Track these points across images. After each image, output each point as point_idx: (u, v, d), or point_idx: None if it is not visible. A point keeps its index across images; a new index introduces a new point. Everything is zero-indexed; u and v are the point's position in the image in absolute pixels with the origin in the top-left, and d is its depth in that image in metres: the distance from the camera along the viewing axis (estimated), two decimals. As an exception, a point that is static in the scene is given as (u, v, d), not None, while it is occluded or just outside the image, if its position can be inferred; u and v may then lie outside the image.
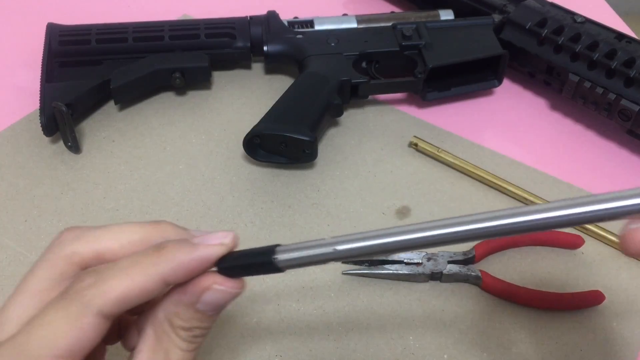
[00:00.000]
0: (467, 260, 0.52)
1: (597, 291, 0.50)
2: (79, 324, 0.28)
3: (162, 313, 0.31)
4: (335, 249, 0.29)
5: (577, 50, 0.62)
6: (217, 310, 0.31)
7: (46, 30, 0.67)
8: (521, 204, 0.57)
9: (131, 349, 0.34)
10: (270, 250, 0.30)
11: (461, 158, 0.60)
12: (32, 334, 0.28)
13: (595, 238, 0.55)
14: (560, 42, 0.63)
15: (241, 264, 0.30)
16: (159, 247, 0.30)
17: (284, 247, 0.30)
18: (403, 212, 0.57)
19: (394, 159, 0.61)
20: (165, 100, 0.67)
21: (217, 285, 0.30)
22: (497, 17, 0.67)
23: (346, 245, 0.29)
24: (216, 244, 0.30)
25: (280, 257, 0.30)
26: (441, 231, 0.28)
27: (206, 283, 0.30)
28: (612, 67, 0.59)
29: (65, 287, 0.30)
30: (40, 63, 0.64)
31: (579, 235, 0.53)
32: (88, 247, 0.31)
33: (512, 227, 0.27)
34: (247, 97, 0.67)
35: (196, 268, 0.30)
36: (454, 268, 0.51)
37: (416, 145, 0.62)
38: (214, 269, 0.31)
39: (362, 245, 0.29)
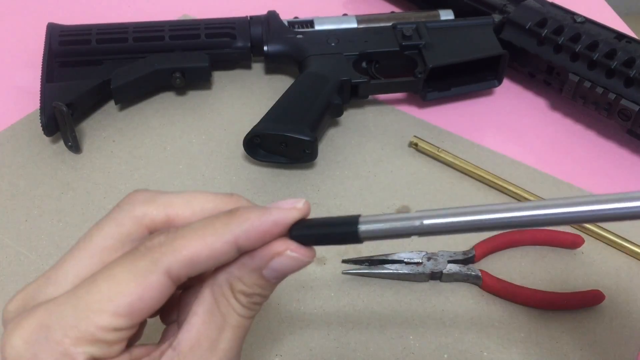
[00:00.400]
0: (467, 259, 0.52)
1: (597, 291, 0.50)
2: (145, 281, 0.27)
3: (223, 276, 0.29)
4: (422, 223, 0.28)
5: (577, 50, 0.62)
6: (280, 278, 0.29)
7: (46, 30, 0.67)
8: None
9: (169, 323, 0.33)
10: (354, 220, 0.29)
11: (461, 158, 0.60)
12: (94, 288, 0.27)
13: (595, 238, 0.55)
14: (560, 42, 0.63)
15: (320, 232, 0.30)
16: (232, 211, 0.28)
17: (367, 217, 0.29)
18: (403, 212, 0.57)
19: (394, 158, 0.61)
20: (166, 100, 0.67)
21: (290, 252, 0.29)
22: (497, 17, 0.67)
23: (433, 220, 0.28)
24: (290, 208, 0.29)
25: (364, 227, 0.29)
26: (532, 212, 0.27)
27: (279, 248, 0.29)
28: (612, 67, 0.59)
29: (132, 247, 0.29)
30: (41, 63, 0.64)
31: (579, 235, 0.53)
32: (159, 210, 0.30)
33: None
34: (247, 97, 0.68)
35: (269, 231, 0.28)
36: (454, 268, 0.51)
37: (416, 145, 0.62)
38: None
39: (449, 221, 0.28)
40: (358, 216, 0.29)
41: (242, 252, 0.29)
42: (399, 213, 0.29)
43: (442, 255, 0.52)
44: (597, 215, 0.27)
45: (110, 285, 0.27)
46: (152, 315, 0.30)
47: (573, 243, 0.53)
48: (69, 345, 0.26)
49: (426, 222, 0.28)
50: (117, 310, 0.26)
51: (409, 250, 0.53)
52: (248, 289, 0.29)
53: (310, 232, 0.30)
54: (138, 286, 0.27)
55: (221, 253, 0.28)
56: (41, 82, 0.62)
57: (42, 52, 0.65)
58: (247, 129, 0.58)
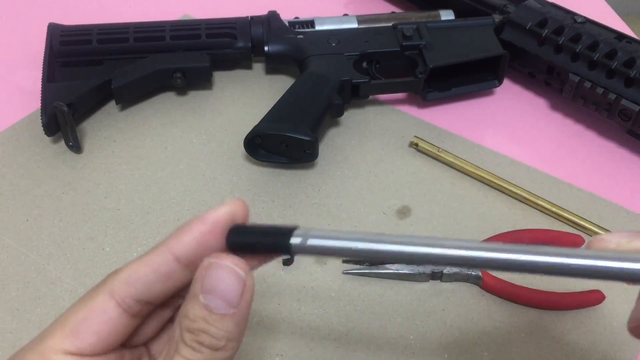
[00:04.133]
0: (468, 260, 0.52)
1: (597, 291, 0.50)
2: (90, 302, 0.28)
3: (181, 310, 0.28)
4: (357, 247, 0.27)
5: (577, 50, 0.62)
6: (224, 306, 0.27)
7: (47, 31, 0.67)
8: (521, 204, 0.57)
9: (137, 345, 0.32)
10: (288, 231, 0.28)
11: (461, 158, 0.60)
12: (53, 323, 0.29)
13: (596, 238, 0.55)
14: (560, 43, 0.63)
15: (251, 240, 0.28)
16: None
17: (302, 230, 0.28)
18: (403, 211, 0.57)
19: (395, 158, 0.61)
20: (166, 100, 0.67)
21: (215, 259, 0.27)
22: (497, 18, 0.67)
23: (371, 245, 0.27)
24: (217, 208, 0.28)
25: (296, 241, 0.28)
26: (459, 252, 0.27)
27: (205, 261, 0.27)
28: (612, 67, 0.59)
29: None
30: (42, 63, 0.64)
31: (579, 235, 0.54)
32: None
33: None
34: (248, 97, 0.68)
35: (201, 233, 0.28)
36: (454, 268, 0.51)
37: (416, 145, 0.62)
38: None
39: (383, 248, 0.27)
40: (293, 228, 0.28)
41: (185, 263, 0.28)
42: (337, 230, 0.28)
43: (442, 255, 0.52)
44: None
45: (64, 314, 0.28)
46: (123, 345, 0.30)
47: (573, 243, 0.53)
48: None
49: (360, 246, 0.27)
50: (64, 332, 0.27)
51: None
52: (192, 324, 0.27)
53: (243, 238, 0.28)
54: (83, 308, 0.28)
55: (159, 265, 0.28)
56: (42, 82, 0.62)
57: (43, 52, 0.65)
58: (248, 129, 0.58)
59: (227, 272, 0.27)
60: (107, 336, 0.28)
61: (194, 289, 0.27)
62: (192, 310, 0.27)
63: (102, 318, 0.28)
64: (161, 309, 0.31)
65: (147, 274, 0.28)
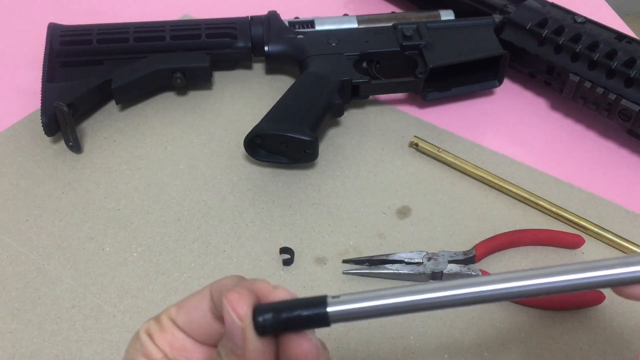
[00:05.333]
0: (468, 259, 0.52)
1: (597, 291, 0.50)
2: (200, 291, 0.33)
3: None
4: (394, 302, 0.28)
5: (577, 50, 0.62)
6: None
7: (47, 31, 0.67)
8: (521, 204, 0.57)
9: None
10: (321, 301, 0.28)
11: (461, 158, 0.60)
12: None
13: (596, 238, 0.55)
14: (560, 43, 0.63)
15: (285, 318, 0.28)
16: None
17: (335, 299, 0.28)
18: (403, 212, 0.57)
19: (395, 158, 0.61)
20: (166, 100, 0.67)
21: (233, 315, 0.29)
22: (497, 18, 0.67)
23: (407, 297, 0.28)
24: (258, 283, 0.30)
25: (334, 309, 0.28)
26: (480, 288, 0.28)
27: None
28: (613, 67, 0.59)
29: None
30: (42, 63, 0.64)
31: (579, 235, 0.54)
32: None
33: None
34: (248, 97, 0.68)
35: (230, 286, 0.30)
36: (454, 268, 0.51)
37: (417, 145, 0.62)
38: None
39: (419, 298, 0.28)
40: (324, 297, 0.28)
41: (214, 308, 0.31)
42: (367, 291, 0.28)
43: (442, 255, 0.52)
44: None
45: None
46: None
47: (573, 243, 0.53)
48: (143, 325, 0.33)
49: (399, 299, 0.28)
50: (177, 304, 0.33)
51: (409, 250, 0.53)
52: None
53: (276, 318, 0.28)
54: (194, 292, 0.33)
55: (198, 299, 0.32)
56: (42, 82, 0.62)
57: (43, 52, 0.65)
58: (248, 129, 0.58)
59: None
60: (194, 321, 0.32)
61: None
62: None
63: (196, 304, 0.32)
64: None
65: (189, 307, 0.32)
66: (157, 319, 0.33)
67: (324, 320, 0.28)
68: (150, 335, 0.32)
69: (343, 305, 0.28)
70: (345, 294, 0.28)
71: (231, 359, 0.29)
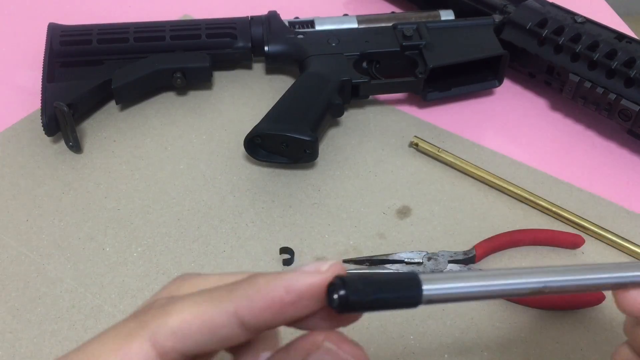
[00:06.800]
0: (468, 259, 0.52)
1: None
2: (126, 345, 0.23)
3: None
4: (487, 285, 0.27)
5: (577, 50, 0.62)
6: None
7: (47, 31, 0.67)
8: (521, 204, 0.57)
9: None
10: (414, 280, 0.25)
11: (461, 158, 0.60)
12: (79, 352, 0.24)
13: (596, 238, 0.55)
14: (560, 43, 0.63)
15: (373, 296, 0.24)
16: (242, 279, 0.24)
17: (426, 276, 0.25)
18: (403, 211, 0.57)
19: (395, 158, 0.61)
20: (166, 100, 0.67)
21: (329, 343, 0.23)
22: (497, 18, 0.67)
23: (504, 280, 0.27)
24: (309, 271, 0.23)
25: (428, 287, 0.25)
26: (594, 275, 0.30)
27: (316, 339, 0.23)
28: (613, 67, 0.59)
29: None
30: (42, 63, 0.64)
31: (579, 235, 0.54)
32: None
33: None
34: (248, 97, 0.68)
35: (280, 300, 0.23)
36: (454, 268, 0.51)
37: (417, 145, 0.62)
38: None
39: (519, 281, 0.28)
40: (416, 274, 0.25)
41: (250, 329, 0.23)
42: (462, 271, 0.28)
43: (442, 255, 0.52)
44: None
45: (93, 348, 0.24)
46: None
47: (573, 243, 0.53)
48: None
49: (498, 282, 0.27)
50: None
51: (409, 250, 0.53)
52: None
53: (363, 296, 0.23)
54: (116, 351, 0.23)
55: (218, 325, 0.23)
56: (42, 82, 0.62)
57: (43, 52, 0.65)
58: (248, 129, 0.58)
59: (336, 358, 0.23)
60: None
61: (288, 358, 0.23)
62: None
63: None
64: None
65: (201, 330, 0.23)
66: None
67: (416, 301, 0.25)
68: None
69: (437, 284, 0.25)
70: (434, 273, 0.27)
71: None
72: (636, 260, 0.53)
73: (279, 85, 0.69)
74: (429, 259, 0.51)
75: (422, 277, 0.25)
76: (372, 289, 0.24)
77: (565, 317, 0.49)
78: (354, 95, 0.64)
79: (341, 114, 0.62)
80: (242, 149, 0.59)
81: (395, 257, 0.52)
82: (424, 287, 0.25)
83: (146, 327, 0.23)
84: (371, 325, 0.49)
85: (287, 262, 0.52)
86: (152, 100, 0.67)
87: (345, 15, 0.69)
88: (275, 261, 0.53)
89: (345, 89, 0.63)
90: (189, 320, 0.23)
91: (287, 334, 0.26)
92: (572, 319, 0.49)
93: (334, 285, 0.23)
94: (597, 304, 0.50)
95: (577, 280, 0.29)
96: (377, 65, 0.66)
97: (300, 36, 0.67)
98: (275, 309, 0.23)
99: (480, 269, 0.29)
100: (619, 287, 0.31)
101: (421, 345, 0.47)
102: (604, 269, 0.30)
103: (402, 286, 0.24)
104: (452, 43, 0.65)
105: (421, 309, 0.49)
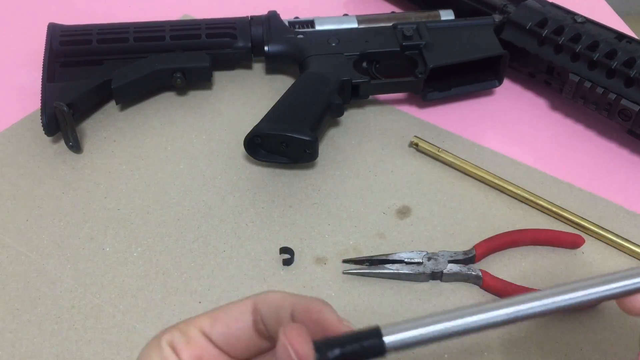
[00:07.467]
0: (468, 259, 0.52)
1: (597, 291, 0.50)
2: (236, 303, 0.31)
3: None
4: (450, 327, 0.28)
5: (577, 50, 0.62)
6: None
7: (47, 30, 0.67)
8: (521, 204, 0.57)
9: None
10: (376, 333, 0.28)
11: (461, 158, 0.60)
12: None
13: (596, 238, 0.55)
14: (560, 42, 0.63)
15: (346, 351, 0.28)
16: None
17: (388, 328, 0.28)
18: (403, 211, 0.57)
19: (395, 158, 0.61)
20: (166, 100, 0.67)
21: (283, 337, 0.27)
22: (497, 17, 0.67)
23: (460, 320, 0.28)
24: (315, 304, 0.30)
25: (389, 339, 0.28)
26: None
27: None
28: (613, 67, 0.59)
29: None
30: (42, 63, 0.64)
31: (579, 235, 0.54)
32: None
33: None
34: (247, 97, 0.68)
35: (283, 302, 0.30)
36: (454, 267, 0.51)
37: (417, 145, 0.62)
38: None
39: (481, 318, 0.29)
40: (377, 328, 0.28)
41: (258, 323, 0.30)
42: (420, 317, 0.29)
43: (442, 255, 0.52)
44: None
45: (218, 307, 0.32)
46: None
47: (573, 243, 0.53)
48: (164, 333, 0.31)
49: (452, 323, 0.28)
50: (208, 315, 0.31)
51: (409, 250, 0.53)
52: None
53: (339, 352, 0.28)
54: (230, 305, 0.31)
55: (292, 302, 0.30)
56: (42, 82, 0.62)
57: (43, 52, 0.65)
58: (248, 129, 0.58)
59: None
60: (233, 334, 0.30)
61: None
62: None
63: (237, 316, 0.31)
64: None
65: (281, 302, 0.30)
66: (182, 330, 0.30)
67: (381, 350, 0.28)
68: (173, 348, 0.30)
69: (398, 333, 0.28)
70: (398, 322, 0.28)
71: None
72: (634, 262, 0.53)
73: (279, 85, 0.69)
74: (429, 259, 0.51)
75: (383, 329, 0.28)
76: (344, 347, 0.28)
77: (565, 317, 0.49)
78: (354, 95, 0.64)
79: (341, 114, 0.62)
80: (242, 149, 0.59)
81: (395, 257, 0.52)
82: (385, 338, 0.28)
83: (254, 295, 0.31)
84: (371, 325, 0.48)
85: (287, 262, 0.52)
86: (151, 100, 0.67)
87: (345, 15, 0.69)
88: (275, 261, 0.53)
89: (345, 89, 0.63)
90: (282, 298, 0.31)
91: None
92: (572, 319, 0.49)
93: (316, 347, 0.28)
94: (597, 304, 0.50)
95: (543, 305, 0.29)
96: (377, 65, 0.66)
97: (300, 36, 0.67)
98: (280, 308, 0.30)
99: (456, 309, 0.29)
100: (592, 303, 0.31)
101: (421, 345, 0.47)
102: (571, 289, 0.30)
103: (368, 339, 0.28)
104: (452, 43, 0.65)
105: (422, 308, 0.49)
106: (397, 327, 0.28)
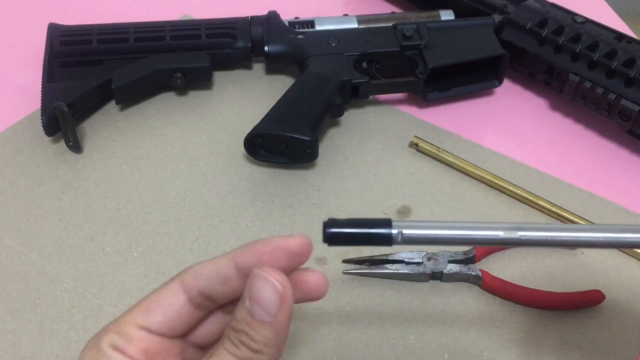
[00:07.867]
0: (468, 259, 0.52)
1: (597, 291, 0.50)
2: (164, 287, 0.32)
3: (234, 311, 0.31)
4: (450, 234, 0.31)
5: (577, 50, 0.62)
6: (264, 314, 0.29)
7: (47, 31, 0.67)
8: (521, 204, 0.57)
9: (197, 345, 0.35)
10: (386, 223, 0.31)
11: (461, 158, 0.60)
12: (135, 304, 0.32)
13: (596, 238, 0.55)
14: (560, 43, 0.63)
15: (351, 231, 0.31)
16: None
17: (398, 222, 0.31)
18: (403, 211, 0.57)
19: (395, 158, 0.61)
20: (166, 101, 0.67)
21: (259, 270, 0.29)
22: (497, 18, 0.67)
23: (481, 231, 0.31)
24: (286, 238, 0.31)
25: (396, 231, 0.30)
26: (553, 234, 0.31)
27: (254, 271, 0.30)
28: (612, 67, 0.59)
29: None
30: (42, 63, 0.64)
31: (579, 235, 0.54)
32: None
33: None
34: (248, 97, 0.68)
35: (260, 255, 0.31)
36: (454, 267, 0.51)
37: (417, 145, 0.62)
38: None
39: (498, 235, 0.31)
40: (389, 220, 0.31)
41: (242, 270, 0.31)
42: (436, 220, 0.32)
43: (442, 255, 0.52)
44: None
45: (145, 296, 0.32)
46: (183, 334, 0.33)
47: (573, 243, 0.53)
48: (100, 338, 0.31)
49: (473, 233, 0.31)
50: (140, 308, 0.31)
51: (409, 250, 0.53)
52: (237, 324, 0.30)
53: (342, 230, 0.31)
54: (158, 291, 0.32)
55: (223, 268, 0.31)
56: (42, 82, 0.62)
57: (43, 52, 0.65)
58: (248, 129, 0.58)
59: (267, 283, 0.30)
60: (172, 318, 0.31)
61: (243, 294, 0.30)
62: (239, 312, 0.30)
63: (171, 301, 0.32)
64: (223, 314, 0.34)
65: (211, 272, 0.31)
66: (119, 331, 0.31)
67: (388, 239, 0.31)
68: (118, 349, 0.30)
69: (405, 229, 0.31)
70: (409, 220, 0.31)
71: (244, 337, 0.29)
72: (634, 262, 0.53)
73: (279, 85, 0.69)
74: (429, 259, 0.51)
75: (394, 223, 0.31)
76: (353, 227, 0.31)
77: (565, 317, 0.49)
78: (354, 95, 0.64)
79: (341, 114, 0.62)
80: (242, 149, 0.59)
81: (395, 257, 0.52)
82: (393, 230, 0.31)
83: (178, 275, 0.32)
84: (371, 325, 0.49)
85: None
86: (152, 101, 0.67)
87: (345, 15, 0.69)
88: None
89: (345, 89, 0.63)
90: (204, 266, 0.32)
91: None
92: (572, 319, 0.49)
93: (325, 224, 0.31)
94: (597, 304, 0.50)
95: (552, 236, 0.31)
96: (377, 65, 0.66)
97: (300, 36, 0.67)
98: (257, 256, 0.31)
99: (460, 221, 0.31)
100: (597, 246, 0.32)
101: (421, 345, 0.48)
102: (589, 230, 0.32)
103: (376, 227, 0.31)
104: (452, 43, 0.65)
105: (422, 308, 0.49)
106: (407, 224, 0.31)
